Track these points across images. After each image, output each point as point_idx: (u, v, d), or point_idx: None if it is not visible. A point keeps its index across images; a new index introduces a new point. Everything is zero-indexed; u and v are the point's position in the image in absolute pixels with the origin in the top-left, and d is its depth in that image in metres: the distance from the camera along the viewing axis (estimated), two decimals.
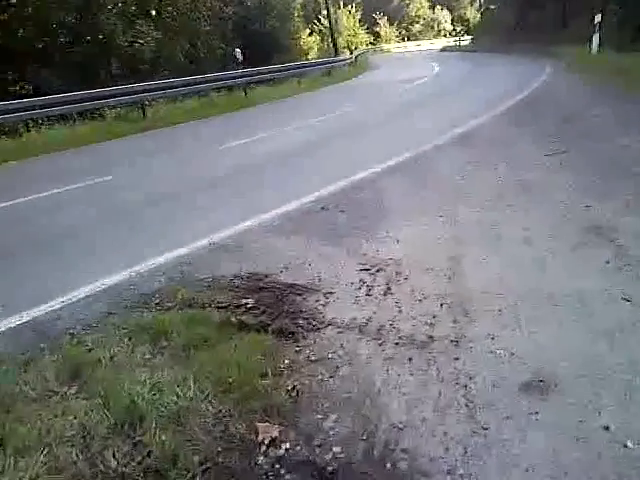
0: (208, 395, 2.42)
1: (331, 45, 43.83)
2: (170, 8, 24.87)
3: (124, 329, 3.05)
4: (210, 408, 2.35)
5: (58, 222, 5.65)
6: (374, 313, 3.11)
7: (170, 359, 2.74)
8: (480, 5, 44.24)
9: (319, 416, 2.33)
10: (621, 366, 2.42)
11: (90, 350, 2.86)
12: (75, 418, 2.30)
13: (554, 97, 11.43)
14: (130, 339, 2.93)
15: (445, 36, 65.74)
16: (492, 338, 2.74)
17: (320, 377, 2.59)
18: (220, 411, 2.34)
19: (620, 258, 3.45)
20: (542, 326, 2.80)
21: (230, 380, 2.51)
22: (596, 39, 16.86)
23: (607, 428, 2.08)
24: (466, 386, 2.42)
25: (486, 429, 2.15)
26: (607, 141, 6.66)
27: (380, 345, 2.80)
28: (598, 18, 16.64)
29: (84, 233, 5.18)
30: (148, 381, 2.51)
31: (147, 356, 2.78)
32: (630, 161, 5.62)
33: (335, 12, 48.37)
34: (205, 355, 2.74)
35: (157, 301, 3.42)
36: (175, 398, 2.40)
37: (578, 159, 5.93)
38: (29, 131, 12.26)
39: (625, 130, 7.21)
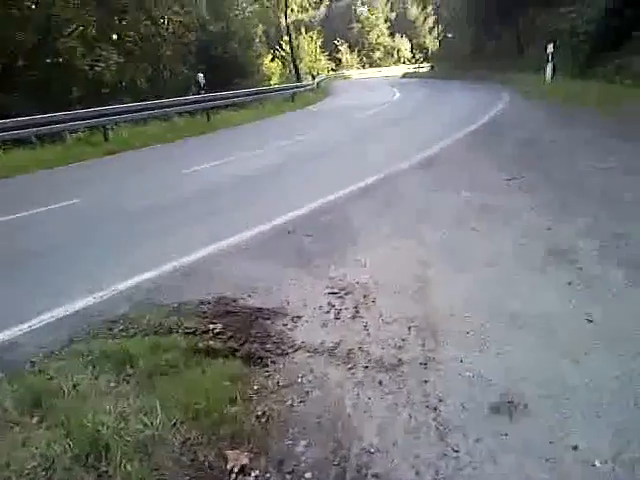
0: (175, 423, 2.37)
1: (293, 71, 44.38)
2: (132, 32, 24.81)
3: (88, 356, 2.96)
4: (178, 436, 2.30)
5: (20, 247, 5.48)
6: (343, 337, 3.11)
7: (136, 387, 2.67)
8: (438, 34, 45.37)
9: (290, 442, 2.31)
10: (586, 386, 2.47)
11: (52, 378, 2.76)
12: (37, 449, 2.22)
13: (511, 123, 11.76)
14: (94, 367, 2.85)
15: (405, 63, 67.28)
16: (460, 360, 2.76)
17: (290, 402, 2.57)
18: (188, 439, 2.29)
19: (581, 279, 3.54)
20: (509, 347, 2.85)
21: (198, 407, 2.46)
22: (550, 68, 17.50)
23: (575, 448, 2.12)
24: (436, 408, 2.43)
25: (457, 451, 2.16)
26: (564, 164, 6.87)
27: (350, 369, 2.79)
28: (550, 48, 17.32)
29: (47, 258, 5.04)
30: (113, 410, 2.44)
31: (112, 384, 2.70)
32: (586, 184, 5.80)
33: (296, 38, 49.09)
34: (172, 382, 2.68)
35: (122, 327, 3.34)
36: (141, 427, 2.33)
37: (537, 182, 6.10)
38: None
39: (579, 154, 7.45)
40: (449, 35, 40.43)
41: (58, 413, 2.46)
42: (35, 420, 2.44)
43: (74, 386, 2.68)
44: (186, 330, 3.22)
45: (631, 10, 13.99)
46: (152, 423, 2.36)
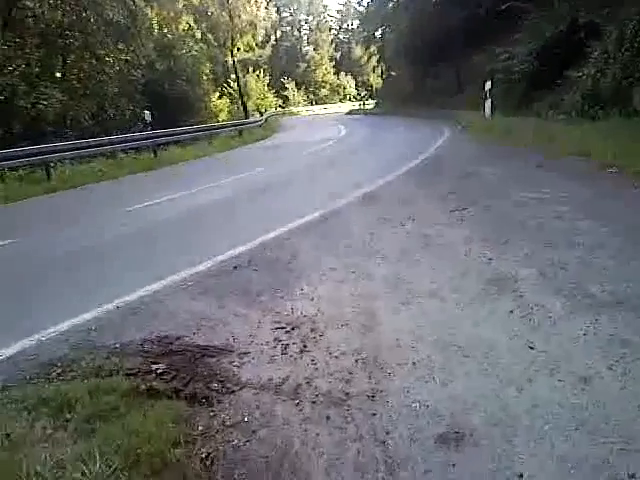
0: (115, 470, 2.26)
1: (241, 108, 44.71)
2: (76, 70, 24.60)
3: (22, 403, 2.82)
4: None
5: None
6: (290, 372, 3.07)
7: (74, 433, 2.56)
8: (382, 72, 46.67)
9: None
10: (529, 412, 2.51)
11: None
12: None
13: (452, 157, 12.12)
14: (29, 413, 2.71)
15: (350, 100, 68.75)
16: (407, 391, 2.77)
17: (236, 442, 2.50)
18: None
19: (522, 307, 3.62)
20: (454, 377, 2.87)
21: (140, 452, 2.36)
22: (488, 104, 18.17)
23: (521, 476, 2.14)
24: (384, 442, 2.42)
25: None
26: (502, 197, 7.09)
27: (297, 405, 2.76)
28: (488, 85, 18.03)
29: None
30: (49, 459, 2.32)
31: (48, 431, 2.57)
32: (524, 215, 5.98)
33: (244, 76, 49.63)
34: (112, 426, 2.57)
35: (59, 371, 3.19)
36: (79, 475, 2.22)
37: (477, 214, 6.25)
38: None
39: (517, 186, 7.72)
40: (392, 73, 41.64)
41: None
42: None
43: (7, 435, 2.54)
44: (128, 371, 3.11)
45: (562, 51, 14.79)
46: (91, 471, 2.24)
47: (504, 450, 2.29)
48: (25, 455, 2.36)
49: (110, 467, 2.27)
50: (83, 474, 2.23)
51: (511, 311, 3.59)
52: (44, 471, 2.24)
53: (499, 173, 9.08)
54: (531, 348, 3.09)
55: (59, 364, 3.28)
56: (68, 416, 2.69)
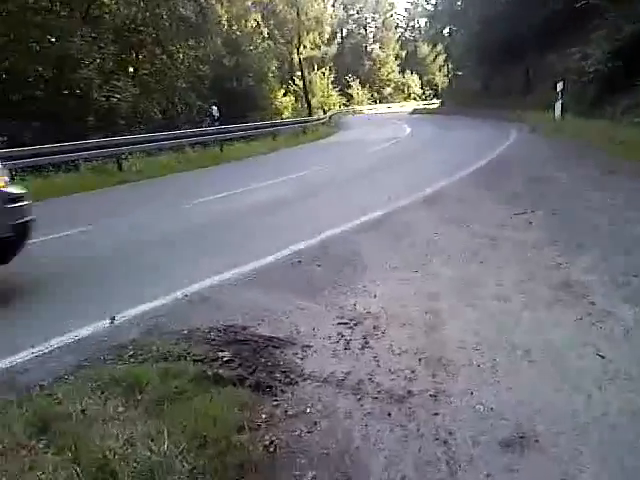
0: (183, 450, 2.34)
1: (305, 105, 45.03)
2: (148, 65, 25.41)
3: (96, 382, 2.95)
4: (185, 464, 2.27)
5: (35, 273, 5.52)
6: (352, 367, 3.09)
7: (144, 413, 2.66)
8: (448, 71, 46.03)
9: (297, 473, 2.28)
10: (598, 422, 2.44)
11: (60, 403, 2.75)
12: (43, 474, 2.20)
13: (520, 159, 11.82)
14: (102, 392, 2.83)
15: (415, 99, 68.04)
16: (471, 393, 2.74)
17: (298, 432, 2.54)
18: (195, 467, 2.26)
19: (592, 314, 3.51)
20: (520, 381, 2.82)
21: (205, 435, 2.44)
22: (559, 106, 17.60)
23: None
24: (446, 442, 2.40)
25: None
26: (571, 200, 6.88)
27: (359, 400, 2.77)
28: (560, 86, 17.45)
29: (56, 284, 5.08)
30: (120, 435, 2.42)
31: (120, 409, 2.68)
32: (595, 219, 5.79)
33: (309, 74, 49.97)
34: (180, 409, 2.66)
35: (131, 353, 3.33)
36: (148, 453, 2.31)
37: (546, 218, 6.10)
38: None
39: (588, 190, 7.47)
40: (459, 72, 40.96)
41: (66, 438, 2.44)
42: (42, 444, 2.42)
43: (82, 411, 2.66)
44: (195, 357, 3.20)
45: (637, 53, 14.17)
46: (159, 450, 2.33)
47: (571, 458, 2.23)
48: (98, 430, 2.48)
49: (177, 447, 2.35)
50: (152, 452, 2.32)
51: (580, 317, 3.48)
52: (116, 446, 2.34)
53: (568, 176, 8.80)
54: (601, 357, 2.99)
55: (131, 347, 3.41)
56: (138, 397, 2.80)
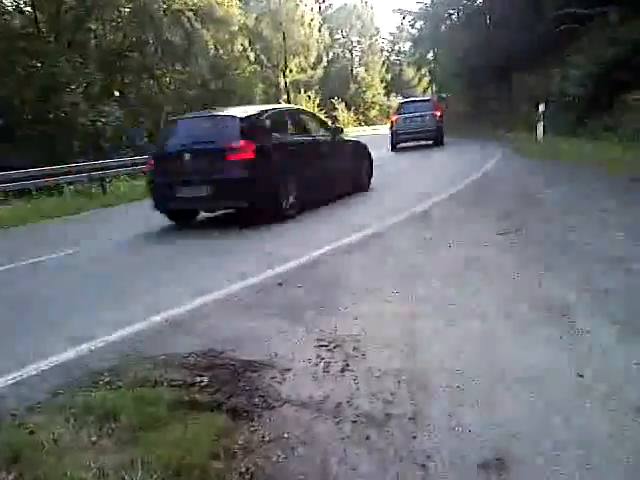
0: (156, 479, 2.29)
1: None
2: (134, 89, 25.54)
3: (70, 409, 2.90)
4: None
5: (16, 294, 5.48)
6: (332, 390, 3.05)
7: (118, 441, 2.61)
8: (432, 93, 46.53)
9: None
10: (576, 442, 2.42)
11: (32, 432, 2.69)
12: None
13: (504, 179, 11.91)
14: (76, 420, 2.78)
15: None
16: (449, 415, 2.71)
17: (275, 458, 2.49)
18: None
19: (572, 334, 3.51)
20: (499, 403, 2.79)
21: (180, 463, 2.39)
22: (540, 127, 17.86)
23: None
24: (424, 465, 2.36)
25: None
26: (554, 221, 6.93)
27: (337, 423, 2.73)
28: (542, 107, 17.72)
29: (35, 308, 5.04)
30: (93, 465, 2.37)
31: (93, 438, 2.63)
32: (577, 240, 5.82)
33: (295, 97, 50.37)
34: (155, 436, 2.61)
35: (107, 379, 3.27)
36: None
37: (529, 237, 6.12)
38: None
39: (570, 210, 7.52)
40: (443, 95, 41.45)
41: (36, 468, 2.38)
42: (12, 476, 2.36)
43: (54, 440, 2.60)
44: (172, 383, 3.16)
45: (619, 73, 14.45)
46: (132, 479, 2.28)
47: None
48: (70, 460, 2.42)
49: (151, 477, 2.30)
50: None
51: (561, 337, 3.48)
52: (87, 476, 2.29)
53: (550, 195, 8.88)
54: (580, 376, 2.98)
55: (107, 373, 3.35)
56: (113, 425, 2.74)
